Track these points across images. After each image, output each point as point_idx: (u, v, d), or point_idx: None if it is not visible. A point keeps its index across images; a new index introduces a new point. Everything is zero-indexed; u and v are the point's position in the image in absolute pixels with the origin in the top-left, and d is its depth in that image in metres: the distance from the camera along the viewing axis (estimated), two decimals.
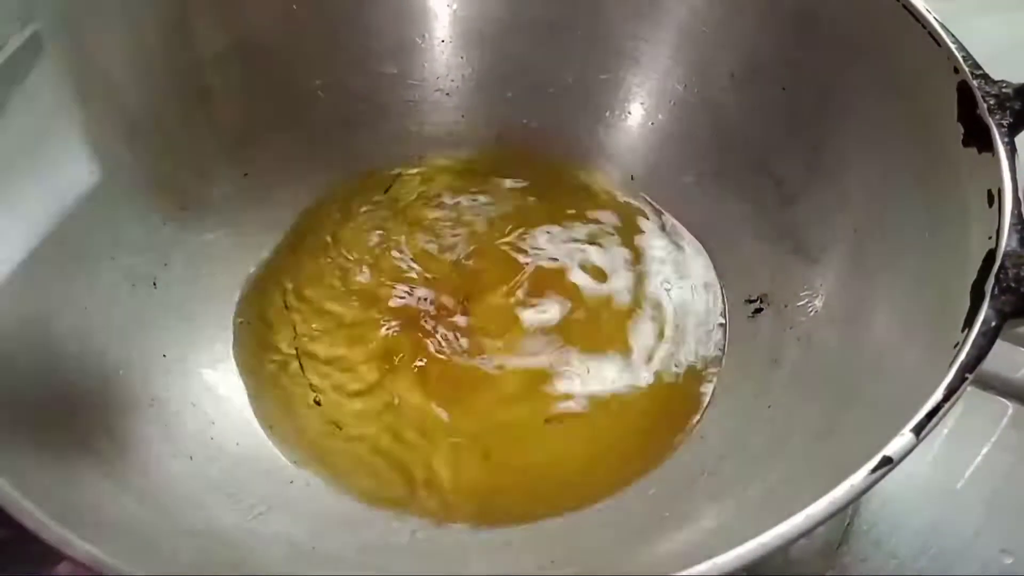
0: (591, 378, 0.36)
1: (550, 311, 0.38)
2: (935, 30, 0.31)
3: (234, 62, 0.39)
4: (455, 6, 0.43)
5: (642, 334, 0.37)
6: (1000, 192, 0.27)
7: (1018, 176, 0.27)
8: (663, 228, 0.41)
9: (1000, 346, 0.38)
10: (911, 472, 0.37)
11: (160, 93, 0.38)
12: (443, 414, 0.35)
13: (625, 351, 0.37)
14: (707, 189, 0.40)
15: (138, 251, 0.37)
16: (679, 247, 0.40)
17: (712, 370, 0.36)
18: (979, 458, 0.37)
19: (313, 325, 0.38)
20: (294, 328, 0.38)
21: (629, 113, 0.42)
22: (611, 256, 0.40)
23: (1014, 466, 0.37)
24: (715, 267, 0.40)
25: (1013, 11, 0.50)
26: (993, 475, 0.37)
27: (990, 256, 0.26)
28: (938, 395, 0.23)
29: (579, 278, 0.39)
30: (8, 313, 0.31)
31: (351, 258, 0.40)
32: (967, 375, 0.24)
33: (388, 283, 0.39)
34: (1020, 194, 0.27)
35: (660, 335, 0.38)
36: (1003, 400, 0.39)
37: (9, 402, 0.29)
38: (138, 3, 0.36)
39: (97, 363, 0.33)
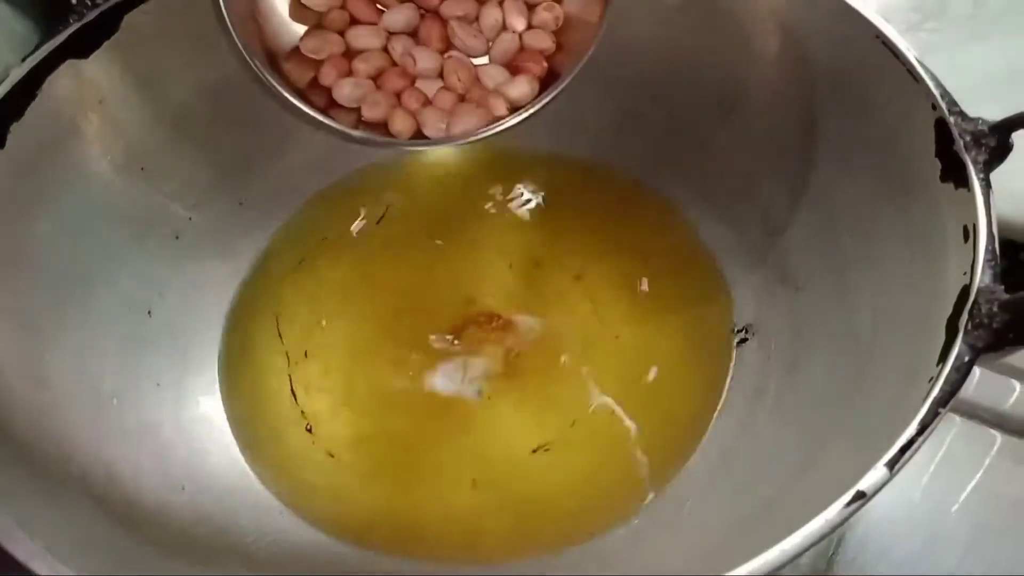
0: (579, 408, 0.36)
1: (542, 340, 0.39)
2: (913, 67, 0.32)
3: (227, 93, 0.40)
4: None
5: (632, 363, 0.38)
6: (975, 228, 0.27)
7: (993, 212, 0.28)
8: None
9: (989, 377, 0.39)
10: (899, 501, 0.37)
11: (156, 122, 0.39)
12: (433, 442, 0.36)
13: (614, 380, 0.37)
14: (695, 218, 0.41)
15: (133, 279, 0.37)
16: None
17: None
18: (967, 488, 0.38)
19: (306, 353, 0.39)
20: (287, 356, 0.39)
21: (618, 140, 0.43)
22: (604, 280, 0.41)
23: (1001, 496, 0.37)
24: None
25: (1002, 40, 0.50)
26: (980, 505, 0.37)
27: (964, 291, 0.26)
28: (911, 430, 0.24)
29: (569, 307, 0.40)
30: (4, 342, 0.32)
31: (346, 288, 0.41)
32: (940, 409, 0.24)
33: (384, 313, 0.40)
34: (994, 230, 0.27)
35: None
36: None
37: (3, 431, 0.29)
38: (135, 32, 0.37)
39: (92, 391, 0.34)
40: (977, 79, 0.46)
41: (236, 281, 0.41)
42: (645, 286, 0.40)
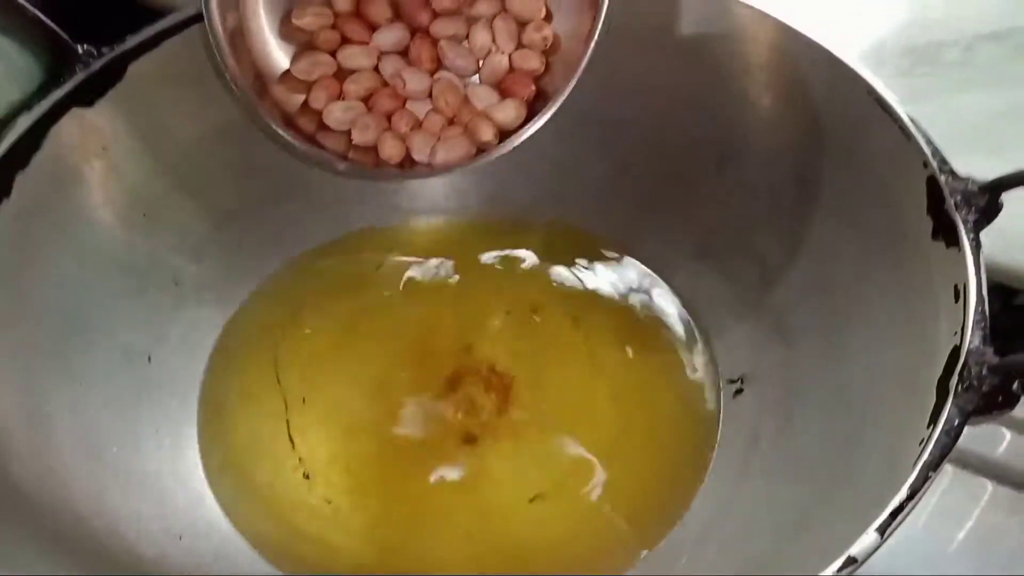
0: (574, 458, 0.37)
1: (539, 388, 0.39)
2: (905, 124, 0.32)
3: (229, 141, 0.40)
4: None
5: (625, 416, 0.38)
6: (966, 288, 0.28)
7: (983, 272, 0.28)
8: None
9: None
10: (892, 551, 0.37)
11: (158, 169, 0.39)
12: (430, 490, 0.36)
13: (610, 433, 0.38)
14: (691, 267, 0.41)
15: (134, 326, 0.38)
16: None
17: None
18: (958, 537, 0.38)
19: (304, 399, 0.39)
20: (285, 401, 0.39)
21: (615, 190, 0.43)
22: (602, 328, 0.41)
23: (993, 546, 0.37)
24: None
25: (993, 88, 0.51)
26: (973, 554, 0.37)
27: (955, 352, 0.27)
28: (902, 494, 0.24)
29: (567, 355, 0.40)
30: (5, 391, 0.32)
31: (343, 334, 0.41)
32: (931, 474, 0.24)
33: (382, 360, 0.40)
34: (984, 292, 0.28)
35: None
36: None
37: (2, 482, 0.29)
38: (139, 81, 0.38)
39: (92, 440, 0.34)
40: (968, 126, 0.47)
41: (235, 326, 0.41)
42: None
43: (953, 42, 0.53)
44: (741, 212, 0.39)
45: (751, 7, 0.36)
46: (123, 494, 0.33)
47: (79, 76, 0.36)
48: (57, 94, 0.36)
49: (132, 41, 0.37)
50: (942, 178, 0.31)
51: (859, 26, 0.54)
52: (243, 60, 0.32)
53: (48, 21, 0.36)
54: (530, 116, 0.33)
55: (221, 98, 0.40)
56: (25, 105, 0.35)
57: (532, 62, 0.33)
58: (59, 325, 0.35)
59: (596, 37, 0.32)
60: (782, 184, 0.38)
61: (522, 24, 0.33)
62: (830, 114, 0.36)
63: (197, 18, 0.38)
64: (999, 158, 0.36)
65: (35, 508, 0.30)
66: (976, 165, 0.31)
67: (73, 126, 0.36)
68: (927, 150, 0.31)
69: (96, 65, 0.36)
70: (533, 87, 0.33)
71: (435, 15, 0.33)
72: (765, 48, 0.37)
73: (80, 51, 0.37)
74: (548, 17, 0.34)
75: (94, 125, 0.37)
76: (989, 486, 0.38)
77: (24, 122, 0.34)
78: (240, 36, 0.32)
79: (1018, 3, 0.55)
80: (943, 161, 0.31)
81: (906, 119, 0.33)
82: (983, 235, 0.29)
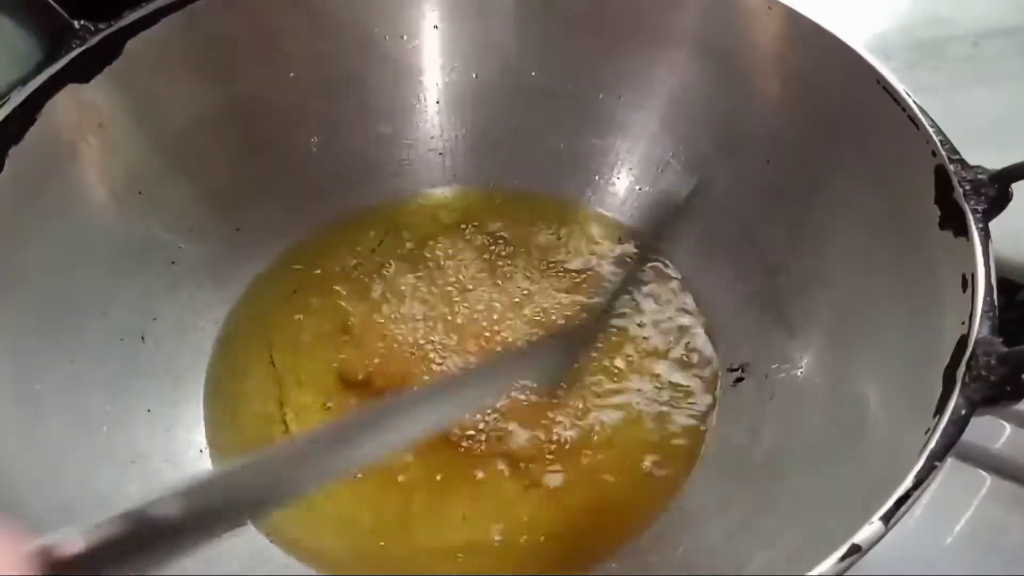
0: (572, 445, 0.36)
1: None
2: (915, 113, 0.32)
3: (229, 120, 0.40)
4: (451, 70, 0.44)
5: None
6: (974, 277, 0.27)
7: (992, 262, 0.28)
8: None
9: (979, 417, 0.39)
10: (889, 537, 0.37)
11: (155, 148, 0.39)
12: (422, 475, 0.36)
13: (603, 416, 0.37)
14: (692, 255, 0.41)
15: (129, 306, 0.37)
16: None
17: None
18: (957, 528, 0.37)
19: (299, 381, 0.38)
20: (280, 384, 0.38)
21: (618, 178, 0.43)
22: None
23: (991, 537, 0.37)
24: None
25: (1000, 83, 0.51)
26: (970, 545, 0.37)
27: (962, 342, 0.26)
28: (907, 483, 0.24)
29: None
30: None
31: (339, 316, 0.40)
32: (936, 463, 0.24)
33: (378, 346, 0.39)
34: (993, 280, 0.27)
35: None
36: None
37: None
38: (136, 58, 0.37)
39: (82, 419, 0.33)
40: (975, 121, 0.46)
41: (231, 307, 0.40)
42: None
43: (960, 37, 0.53)
44: (746, 201, 0.39)
45: None
46: (113, 475, 0.32)
47: (75, 51, 0.36)
48: (53, 69, 0.35)
49: (130, 18, 0.37)
50: (951, 167, 0.30)
51: (866, 19, 0.54)
52: None
53: None
54: None
55: (220, 77, 0.39)
56: (22, 83, 0.34)
57: None
58: (51, 302, 0.34)
59: None
60: (787, 173, 0.37)
61: None
62: (837, 102, 0.35)
63: None
64: (1005, 153, 0.35)
65: (22, 487, 0.29)
66: (982, 160, 0.31)
67: (69, 102, 0.35)
68: (936, 139, 0.31)
69: (93, 41, 0.36)
70: None
71: None
72: (772, 35, 0.37)
73: (77, 27, 0.36)
74: None
75: (90, 101, 0.36)
76: (988, 479, 0.38)
77: (18, 96, 0.34)
78: None
79: None
80: (952, 150, 0.31)
81: (915, 107, 0.32)
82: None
